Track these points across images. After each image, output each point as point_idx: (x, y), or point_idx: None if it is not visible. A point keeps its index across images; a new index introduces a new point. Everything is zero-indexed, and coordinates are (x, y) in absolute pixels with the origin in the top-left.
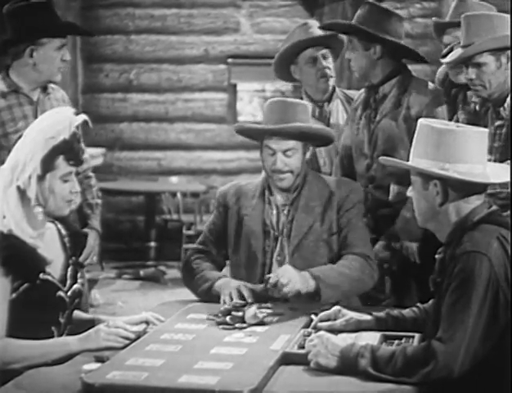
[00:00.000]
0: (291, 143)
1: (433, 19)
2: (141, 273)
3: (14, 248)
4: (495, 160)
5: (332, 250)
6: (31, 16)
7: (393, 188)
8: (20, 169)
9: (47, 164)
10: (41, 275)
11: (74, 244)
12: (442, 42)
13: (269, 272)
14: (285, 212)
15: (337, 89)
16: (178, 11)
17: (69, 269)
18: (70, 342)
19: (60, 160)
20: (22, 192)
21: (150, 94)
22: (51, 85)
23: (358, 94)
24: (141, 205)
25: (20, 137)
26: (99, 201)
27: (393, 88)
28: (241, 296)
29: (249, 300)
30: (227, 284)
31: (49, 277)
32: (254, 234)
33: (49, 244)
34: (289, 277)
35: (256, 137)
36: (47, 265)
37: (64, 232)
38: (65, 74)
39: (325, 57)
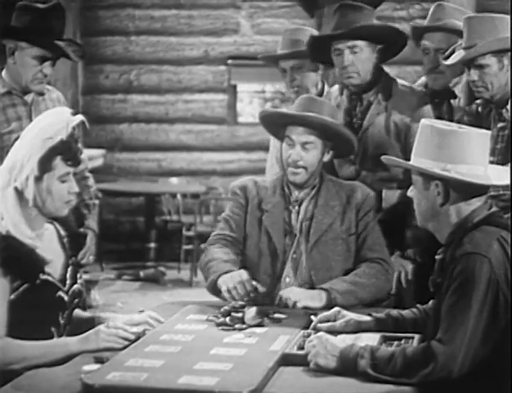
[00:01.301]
0: (311, 137)
1: (412, 24)
2: (141, 273)
3: (12, 249)
4: (497, 162)
5: (349, 250)
6: (21, 16)
7: (386, 193)
8: (17, 170)
9: (45, 164)
10: (41, 275)
11: (74, 244)
12: (421, 47)
13: (282, 269)
14: (303, 209)
15: (327, 89)
16: (178, 12)
17: (69, 269)
18: (70, 343)
19: (58, 161)
20: (20, 193)
21: (151, 95)
22: (47, 86)
23: (331, 96)
24: (141, 206)
25: (17, 138)
26: (96, 202)
27: (378, 95)
28: (245, 290)
29: (260, 289)
30: (230, 278)
31: (49, 278)
32: (276, 232)
33: (48, 244)
34: (295, 297)
35: (277, 128)
36: (46, 265)
37: (63, 232)
38: (65, 75)
39: (294, 68)
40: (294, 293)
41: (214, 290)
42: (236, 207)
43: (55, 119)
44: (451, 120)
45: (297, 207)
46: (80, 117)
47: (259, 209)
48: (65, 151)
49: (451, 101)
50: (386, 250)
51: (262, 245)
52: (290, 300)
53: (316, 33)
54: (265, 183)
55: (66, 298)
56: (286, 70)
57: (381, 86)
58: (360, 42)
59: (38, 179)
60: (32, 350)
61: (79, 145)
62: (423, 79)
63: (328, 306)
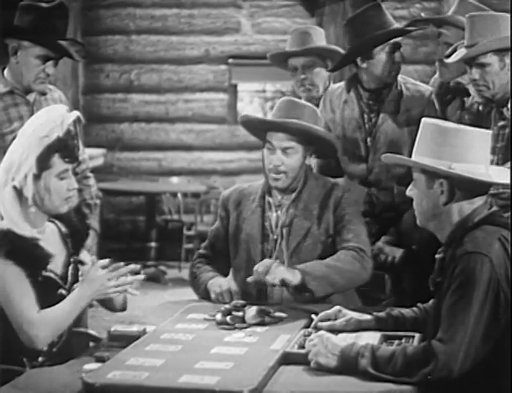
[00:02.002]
0: (292, 143)
1: (446, 15)
2: (142, 272)
3: (16, 243)
4: (498, 161)
5: (330, 253)
6: (24, 15)
7: (397, 189)
8: (15, 169)
9: (43, 162)
10: (43, 272)
11: (75, 241)
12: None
13: None
14: (284, 214)
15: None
16: (179, 11)
17: (71, 267)
18: (88, 296)
19: (56, 158)
20: (19, 192)
21: (151, 95)
22: (49, 86)
23: (333, 94)
24: (141, 205)
25: (14, 137)
26: (98, 202)
27: (390, 92)
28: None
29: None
30: (216, 283)
31: (51, 275)
32: (253, 238)
33: (49, 242)
34: (267, 266)
35: (259, 132)
36: (50, 259)
37: (64, 229)
38: (65, 74)
39: (306, 66)
40: (269, 272)
41: (207, 297)
42: (218, 222)
43: (50, 117)
44: (461, 117)
45: (279, 212)
46: (76, 113)
47: (238, 218)
48: (63, 148)
49: (465, 98)
50: (365, 240)
51: (242, 252)
52: (272, 280)
53: (322, 32)
54: (249, 189)
55: (65, 294)
56: (297, 68)
57: (394, 84)
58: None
59: (37, 177)
60: (62, 313)
61: (77, 141)
62: (434, 79)
63: (302, 286)
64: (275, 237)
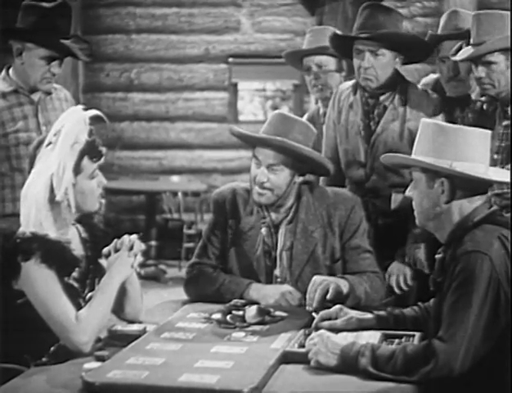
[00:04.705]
0: (278, 160)
1: (430, 32)
2: (142, 272)
3: (48, 246)
4: (502, 160)
5: (335, 276)
6: (27, 16)
7: (395, 197)
8: (55, 184)
9: (76, 169)
10: (66, 279)
11: (95, 247)
12: (437, 55)
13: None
14: (281, 236)
15: None
16: (179, 10)
17: (90, 277)
18: (115, 277)
19: (86, 161)
20: (56, 203)
21: (151, 93)
22: (54, 85)
23: (342, 93)
24: (141, 204)
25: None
26: (102, 201)
27: (394, 100)
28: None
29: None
30: (273, 291)
31: (74, 283)
32: (255, 255)
33: (73, 246)
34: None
35: (248, 143)
36: (78, 264)
37: (84, 234)
38: (66, 73)
39: (319, 67)
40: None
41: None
42: (214, 225)
43: (73, 122)
44: (463, 117)
45: (273, 229)
46: (94, 112)
47: (238, 229)
48: (91, 149)
49: (466, 109)
50: (376, 262)
51: (243, 266)
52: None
53: (339, 33)
54: (245, 196)
55: (83, 304)
56: (311, 67)
57: (397, 91)
58: (382, 49)
59: (73, 185)
60: (100, 310)
61: (98, 138)
62: (427, 79)
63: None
64: (274, 254)
